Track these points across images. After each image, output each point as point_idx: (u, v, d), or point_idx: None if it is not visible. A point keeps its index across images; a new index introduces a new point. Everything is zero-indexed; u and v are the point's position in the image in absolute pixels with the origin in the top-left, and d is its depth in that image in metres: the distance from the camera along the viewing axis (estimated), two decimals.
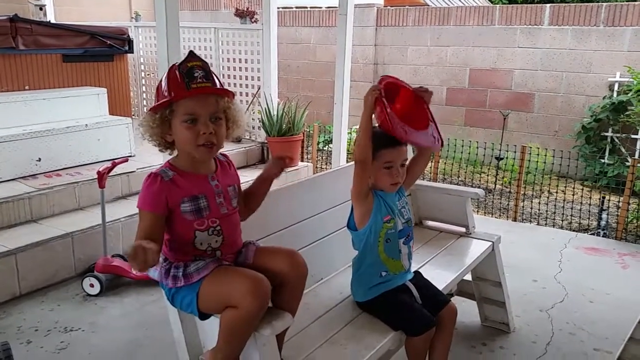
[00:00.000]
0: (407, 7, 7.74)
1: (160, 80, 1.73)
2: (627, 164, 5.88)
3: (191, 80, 1.65)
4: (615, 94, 6.19)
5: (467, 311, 3.01)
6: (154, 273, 1.82)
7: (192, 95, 1.66)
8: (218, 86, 1.71)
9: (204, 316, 1.73)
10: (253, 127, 5.84)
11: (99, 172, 3.35)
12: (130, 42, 5.65)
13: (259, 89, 5.66)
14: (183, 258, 1.74)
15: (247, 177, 4.78)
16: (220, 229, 1.75)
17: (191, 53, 1.70)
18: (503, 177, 6.30)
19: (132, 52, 5.86)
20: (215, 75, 1.73)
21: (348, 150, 5.35)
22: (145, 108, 6.90)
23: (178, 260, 1.75)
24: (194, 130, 1.67)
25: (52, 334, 2.89)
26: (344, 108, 4.91)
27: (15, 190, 3.74)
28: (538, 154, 5.66)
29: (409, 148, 2.40)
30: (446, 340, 2.10)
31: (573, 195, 5.63)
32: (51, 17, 7.07)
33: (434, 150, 2.24)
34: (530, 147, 5.94)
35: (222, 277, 1.67)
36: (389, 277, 2.10)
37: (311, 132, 6.25)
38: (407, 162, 2.13)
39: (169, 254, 1.76)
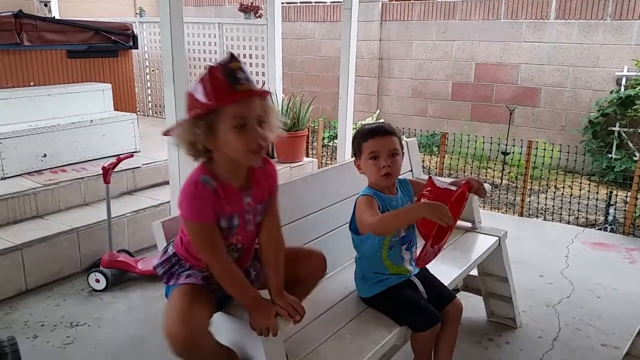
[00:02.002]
0: (412, 1, 7.69)
1: (195, 84, 1.60)
2: (635, 158, 5.83)
3: (236, 82, 1.54)
4: (622, 88, 6.13)
5: (473, 306, 3.00)
6: (160, 259, 1.80)
7: (240, 99, 1.55)
8: (258, 88, 1.63)
9: None
10: None
11: (104, 168, 3.35)
12: (134, 38, 5.65)
13: (263, 84, 5.64)
14: (196, 262, 1.72)
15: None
16: (242, 247, 1.74)
17: (232, 55, 1.60)
18: (509, 172, 6.27)
19: (137, 48, 5.87)
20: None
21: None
22: (150, 104, 6.91)
23: (188, 261, 1.73)
24: (245, 135, 1.57)
25: (58, 328, 2.90)
26: (348, 103, 4.89)
27: (21, 186, 3.75)
28: (545, 149, 5.62)
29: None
30: (451, 336, 2.09)
31: (580, 190, 5.59)
32: (56, 13, 7.07)
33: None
34: (537, 142, 5.90)
35: (178, 298, 1.63)
36: (394, 275, 2.09)
37: (316, 127, 6.24)
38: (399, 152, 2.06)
39: (185, 254, 1.73)
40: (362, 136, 2.06)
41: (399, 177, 2.12)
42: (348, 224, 2.13)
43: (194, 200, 1.60)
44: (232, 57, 1.59)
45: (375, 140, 2.03)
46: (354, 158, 2.14)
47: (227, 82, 1.54)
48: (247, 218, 1.70)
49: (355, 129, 6.02)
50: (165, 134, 1.66)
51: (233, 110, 1.55)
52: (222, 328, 1.81)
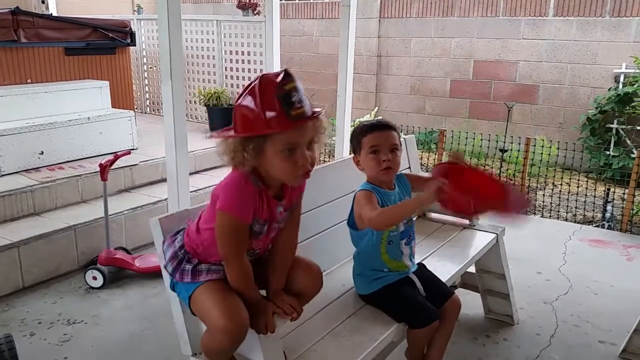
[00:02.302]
0: None
1: (247, 100, 1.49)
2: (633, 155, 5.83)
3: (290, 107, 1.45)
4: (620, 86, 6.13)
5: (470, 303, 3.00)
6: (167, 252, 1.76)
7: (295, 127, 1.48)
8: (311, 109, 1.53)
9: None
10: None
11: (101, 165, 3.34)
12: (132, 35, 5.64)
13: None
14: (205, 258, 1.69)
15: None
16: (259, 252, 1.73)
17: (286, 73, 1.48)
18: (507, 170, 6.27)
19: (135, 45, 5.85)
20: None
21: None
22: (147, 101, 6.89)
23: (198, 256, 1.70)
24: (292, 160, 1.51)
25: (55, 326, 2.90)
26: (347, 101, 4.88)
27: (18, 184, 3.74)
28: (543, 146, 5.62)
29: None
30: (447, 332, 2.10)
31: (578, 187, 5.60)
32: (53, 10, 7.06)
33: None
34: (536, 139, 5.90)
35: (214, 294, 1.61)
36: (392, 271, 2.09)
37: None
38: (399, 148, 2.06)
39: (196, 248, 1.69)
40: (362, 131, 2.06)
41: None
42: (346, 220, 2.13)
43: (239, 195, 1.54)
44: (287, 76, 1.47)
45: (376, 135, 2.02)
46: (352, 155, 2.14)
47: (282, 108, 1.45)
48: (273, 226, 1.68)
49: (354, 126, 6.02)
50: (210, 136, 1.61)
51: (285, 137, 1.49)
52: None
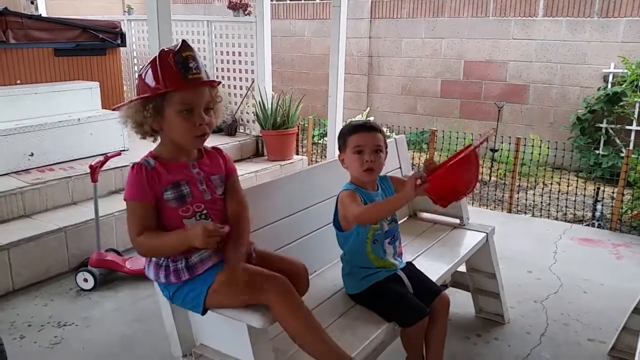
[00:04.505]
0: None
1: (147, 68, 1.68)
2: (622, 155, 5.88)
3: (187, 71, 1.64)
4: (609, 85, 6.18)
5: (461, 302, 3.01)
6: (150, 272, 1.79)
7: (190, 87, 1.65)
8: (208, 77, 1.72)
9: (205, 311, 1.72)
10: (247, 121, 5.81)
11: (91, 166, 3.33)
12: (122, 36, 5.61)
13: (252, 82, 5.63)
14: (184, 253, 1.71)
15: (242, 171, 4.77)
16: (207, 212, 1.75)
17: (184, 43, 1.67)
18: (498, 169, 6.31)
19: (125, 46, 5.82)
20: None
21: None
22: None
23: (177, 255, 1.72)
24: (190, 121, 1.67)
25: (46, 329, 2.88)
26: (338, 101, 4.90)
27: (8, 186, 3.71)
28: (532, 145, 5.66)
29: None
30: (441, 331, 2.10)
31: (568, 186, 5.64)
32: (42, 11, 7.02)
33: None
34: (533, 139, 5.94)
35: (232, 279, 1.65)
36: (380, 269, 2.10)
37: (306, 125, 6.24)
38: (384, 149, 2.08)
39: None
40: (348, 131, 2.10)
41: (380, 174, 2.15)
42: (332, 222, 2.14)
43: (134, 181, 1.68)
44: (185, 45, 1.66)
45: (361, 135, 2.06)
46: (338, 153, 2.17)
47: (179, 70, 1.63)
48: (201, 188, 1.74)
49: None
50: (114, 109, 1.73)
51: (182, 96, 1.65)
52: (210, 329, 1.81)
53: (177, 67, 1.63)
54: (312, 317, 1.70)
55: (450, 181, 1.85)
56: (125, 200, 1.70)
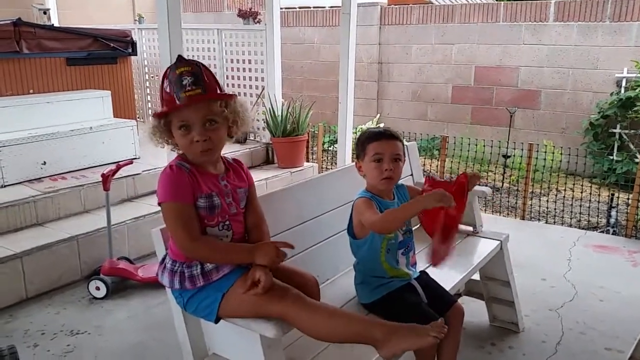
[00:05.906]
0: (411, 5, 7.70)
1: (161, 84, 1.74)
2: (636, 160, 5.82)
3: (180, 89, 1.64)
4: (622, 90, 6.12)
5: (475, 311, 2.98)
6: (164, 279, 1.78)
7: (181, 107, 1.66)
8: (209, 90, 1.69)
9: (218, 319, 1.71)
10: (258, 128, 5.82)
11: (103, 175, 3.34)
12: (133, 45, 5.66)
13: (263, 89, 5.64)
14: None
15: (253, 178, 4.78)
16: (230, 224, 1.76)
17: (179, 58, 1.69)
18: (510, 176, 6.26)
19: (136, 55, 5.87)
20: (207, 76, 1.69)
21: (353, 150, 5.32)
22: (150, 110, 6.91)
23: (190, 260, 1.71)
24: (189, 137, 1.69)
25: (59, 337, 2.89)
26: (348, 107, 4.89)
27: (21, 194, 3.74)
28: (545, 151, 5.61)
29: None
30: (454, 341, 2.07)
31: (582, 192, 5.58)
32: (55, 21, 7.09)
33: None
34: (546, 145, 5.88)
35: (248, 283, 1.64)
36: (394, 278, 2.08)
37: (316, 132, 6.23)
38: (402, 158, 2.07)
39: (181, 255, 1.72)
40: (368, 138, 2.08)
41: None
42: (346, 229, 2.13)
43: (169, 182, 1.67)
44: (179, 61, 1.68)
45: (381, 143, 2.04)
46: (355, 160, 2.15)
47: (171, 90, 1.66)
48: (227, 201, 1.76)
49: (356, 133, 6.03)
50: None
51: (178, 115, 1.69)
52: (222, 338, 1.80)
53: (171, 86, 1.66)
54: (332, 305, 1.70)
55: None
56: (164, 202, 1.67)
